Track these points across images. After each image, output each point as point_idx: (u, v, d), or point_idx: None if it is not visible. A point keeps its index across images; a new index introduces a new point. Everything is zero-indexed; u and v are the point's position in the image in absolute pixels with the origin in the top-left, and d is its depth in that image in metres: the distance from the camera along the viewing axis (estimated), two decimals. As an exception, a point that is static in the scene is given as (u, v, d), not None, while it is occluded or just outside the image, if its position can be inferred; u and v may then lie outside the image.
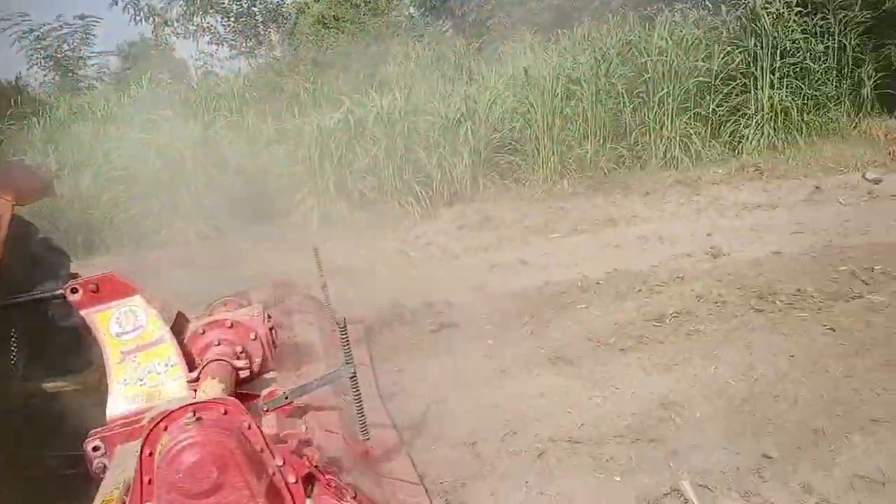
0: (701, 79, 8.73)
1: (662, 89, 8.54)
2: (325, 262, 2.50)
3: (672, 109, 8.65)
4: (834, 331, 3.84)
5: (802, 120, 9.03)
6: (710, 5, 10.38)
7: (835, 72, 9.31)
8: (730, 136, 8.93)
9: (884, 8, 9.35)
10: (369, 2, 14.57)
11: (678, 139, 8.76)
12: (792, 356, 3.61)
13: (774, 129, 8.83)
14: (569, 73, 8.76)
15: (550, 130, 8.48)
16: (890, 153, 8.41)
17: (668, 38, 8.70)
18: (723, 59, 8.83)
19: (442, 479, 2.84)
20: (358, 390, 2.06)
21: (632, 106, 8.71)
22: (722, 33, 9.26)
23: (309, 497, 1.74)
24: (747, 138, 8.78)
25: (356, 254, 6.01)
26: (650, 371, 3.67)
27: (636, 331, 4.18)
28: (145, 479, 1.65)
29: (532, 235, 6.65)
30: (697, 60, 8.75)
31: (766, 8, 8.83)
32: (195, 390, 2.00)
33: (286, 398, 1.96)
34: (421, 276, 5.44)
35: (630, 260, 5.61)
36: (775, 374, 3.45)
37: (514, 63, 9.70)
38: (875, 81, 9.42)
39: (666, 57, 8.56)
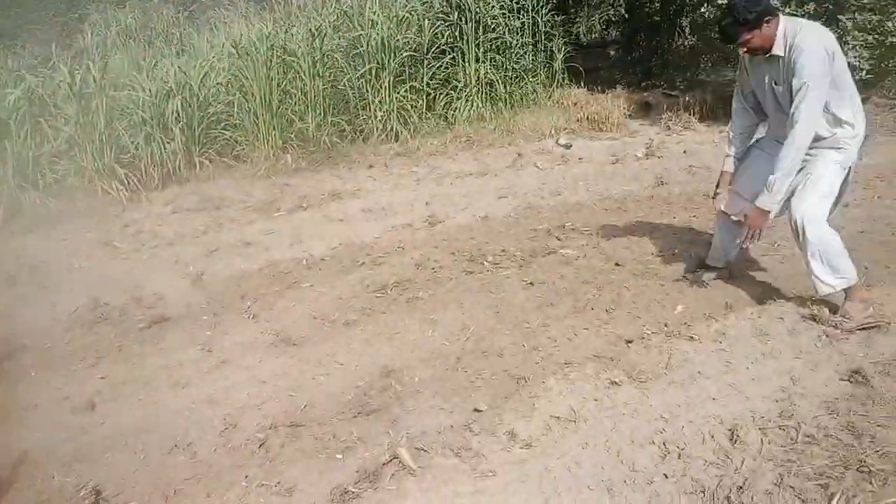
0: (414, 53, 9.04)
1: (377, 62, 8.68)
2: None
3: (389, 83, 8.84)
4: (533, 285, 4.22)
5: (506, 91, 9.78)
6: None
7: (530, 46, 10.19)
8: (443, 109, 9.38)
9: (567, -13, 10.45)
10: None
11: (396, 112, 9.01)
12: (498, 312, 3.90)
13: (482, 101, 9.46)
14: (283, 45, 8.53)
15: (269, 104, 8.21)
16: (578, 120, 9.45)
17: (380, 12, 8.82)
18: (432, 33, 9.20)
19: (151, 489, 2.63)
20: None
21: (349, 79, 8.74)
22: (432, 8, 9.62)
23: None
24: (459, 110, 9.30)
25: (49, 249, 5.31)
26: (373, 342, 3.73)
27: (360, 303, 4.22)
28: None
29: (255, 214, 6.41)
30: (409, 34, 9.04)
31: (467, -16, 9.32)
32: None
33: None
34: (128, 269, 4.96)
35: (355, 233, 5.67)
36: (484, 331, 3.70)
37: (228, 33, 9.24)
38: (565, 55, 10.50)
39: (378, 30, 8.69)
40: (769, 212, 3.33)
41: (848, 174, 3.39)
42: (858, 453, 2.37)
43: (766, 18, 3.12)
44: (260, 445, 2.88)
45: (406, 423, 2.90)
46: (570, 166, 7.57)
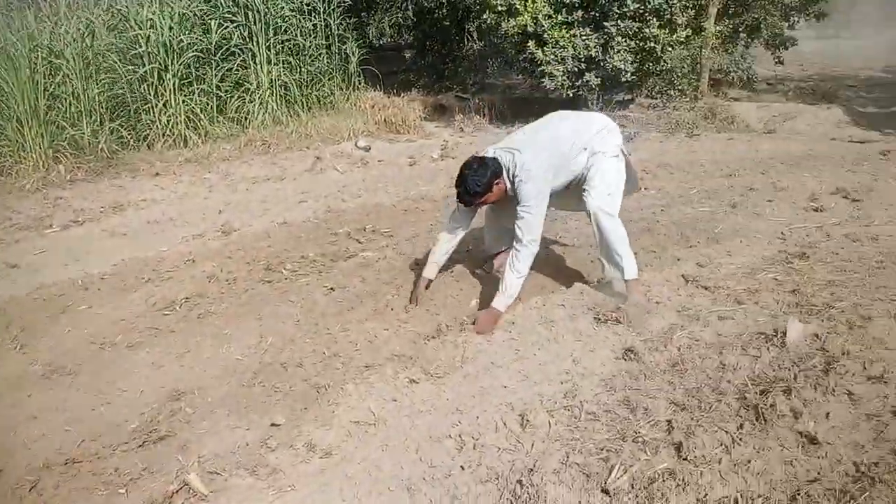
0: (200, 54, 8.59)
1: (159, 64, 8.15)
2: None
3: (174, 85, 8.34)
4: (333, 290, 4.15)
5: (302, 94, 9.61)
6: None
7: (325, 48, 10.09)
8: (236, 112, 9.02)
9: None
10: None
11: (184, 116, 8.52)
12: (297, 321, 3.79)
13: (277, 104, 9.21)
14: (49, 46, 7.73)
15: (35, 110, 7.40)
16: (376, 122, 9.51)
17: (159, 11, 8.27)
18: (220, 34, 8.80)
19: None
20: None
21: (128, 81, 8.12)
22: (217, 8, 9.19)
23: None
24: (252, 113, 8.99)
25: None
26: (161, 364, 3.47)
27: (145, 323, 3.92)
28: None
29: (22, 233, 5.75)
30: (195, 34, 8.57)
31: (251, -16, 9.04)
32: None
33: None
34: None
35: (139, 247, 5.26)
36: (283, 342, 3.57)
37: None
38: (359, 58, 10.52)
39: (158, 30, 8.15)
40: (501, 313, 3.48)
41: (627, 162, 3.72)
42: (634, 425, 2.57)
43: (496, 182, 3.45)
44: (31, 489, 2.56)
45: (198, 447, 2.72)
46: (370, 169, 7.60)
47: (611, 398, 2.79)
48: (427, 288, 3.94)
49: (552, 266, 4.31)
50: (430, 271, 3.92)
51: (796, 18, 11.16)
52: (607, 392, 2.84)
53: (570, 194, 3.92)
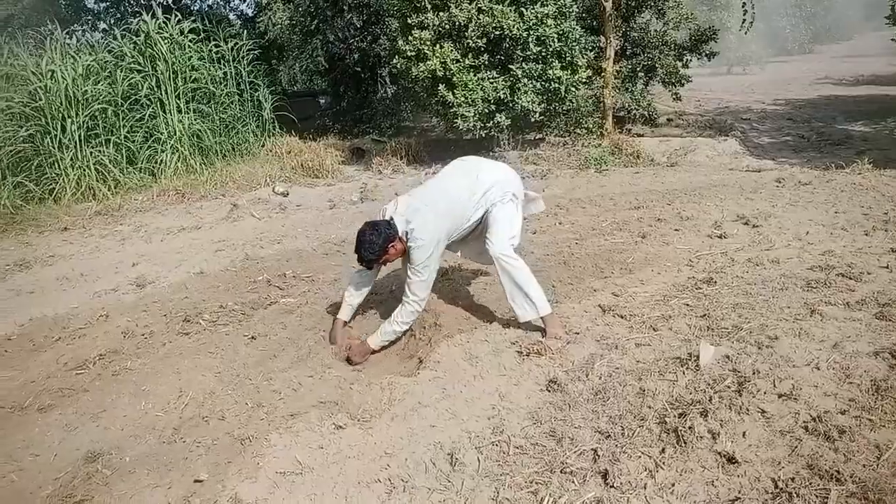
0: (107, 105, 8.41)
1: (64, 116, 7.93)
2: None
3: (80, 137, 8.12)
4: (255, 339, 4.10)
5: (216, 142, 9.51)
6: (106, 29, 10.12)
7: (236, 95, 10.05)
8: (148, 162, 8.85)
9: (267, 38, 10.49)
10: None
11: (93, 168, 8.30)
12: (218, 373, 3.71)
13: (190, 152, 9.09)
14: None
15: (-74, 167, 7.07)
16: (293, 168, 9.49)
17: (60, 63, 8.07)
18: (127, 84, 8.65)
19: None
20: None
21: (29, 133, 7.85)
22: (123, 58, 9.04)
23: None
24: (165, 162, 8.83)
25: None
26: (75, 425, 3.32)
27: (57, 384, 3.75)
28: None
29: (-82, 297, 5.43)
30: (99, 85, 8.40)
31: (160, 33, 8.96)
32: None
33: None
34: None
35: (48, 305, 5.05)
36: (203, 395, 3.49)
37: None
38: (273, 104, 10.52)
39: (59, 83, 7.95)
40: (371, 350, 3.89)
41: (518, 207, 3.88)
42: (561, 456, 2.64)
43: (390, 245, 3.65)
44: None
45: (115, 513, 2.62)
46: (289, 213, 7.55)
47: (537, 430, 2.86)
48: (344, 327, 4.05)
49: (474, 301, 4.40)
50: (344, 313, 4.06)
51: (689, 58, 11.87)
52: (534, 425, 2.90)
53: (471, 244, 4.11)
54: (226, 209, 7.66)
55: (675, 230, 5.60)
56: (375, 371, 3.73)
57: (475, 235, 4.01)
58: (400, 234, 3.66)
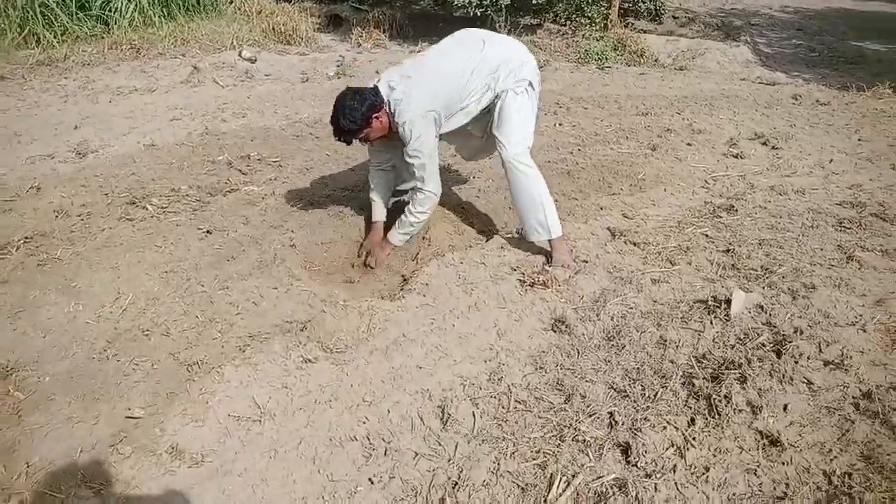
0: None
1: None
2: None
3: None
4: (210, 234, 3.53)
5: (178, -8, 8.47)
6: None
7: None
8: (101, 9, 7.82)
9: None
10: None
11: (38, 9, 7.29)
12: (165, 272, 3.16)
13: (149, 2, 8.07)
14: None
15: None
16: (263, 31, 8.55)
17: None
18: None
19: None
20: None
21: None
22: None
23: None
24: (120, 10, 7.83)
25: None
26: (-15, 326, 2.77)
27: (-31, 270, 3.16)
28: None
29: None
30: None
31: None
32: None
33: None
34: None
35: (-30, 169, 4.35)
36: (146, 300, 2.94)
37: None
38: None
39: None
40: (394, 247, 3.42)
41: (535, 100, 3.27)
42: (571, 418, 2.20)
43: (374, 116, 3.04)
44: None
45: (27, 451, 2.11)
46: (256, 83, 6.75)
47: (542, 380, 2.41)
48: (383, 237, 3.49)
49: (467, 212, 3.86)
50: (378, 212, 3.54)
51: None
52: (537, 372, 2.46)
53: (471, 140, 3.50)
54: (185, 71, 6.81)
55: (688, 144, 5.05)
56: (351, 289, 3.20)
57: (478, 128, 3.40)
58: (386, 105, 3.06)
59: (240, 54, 7.38)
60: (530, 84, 3.19)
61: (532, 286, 2.93)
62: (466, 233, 3.57)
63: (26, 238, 3.41)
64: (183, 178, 4.22)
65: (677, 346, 2.55)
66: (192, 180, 4.20)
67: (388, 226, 3.46)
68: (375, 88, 3.06)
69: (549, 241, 3.17)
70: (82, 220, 3.67)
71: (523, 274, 3.00)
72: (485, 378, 2.42)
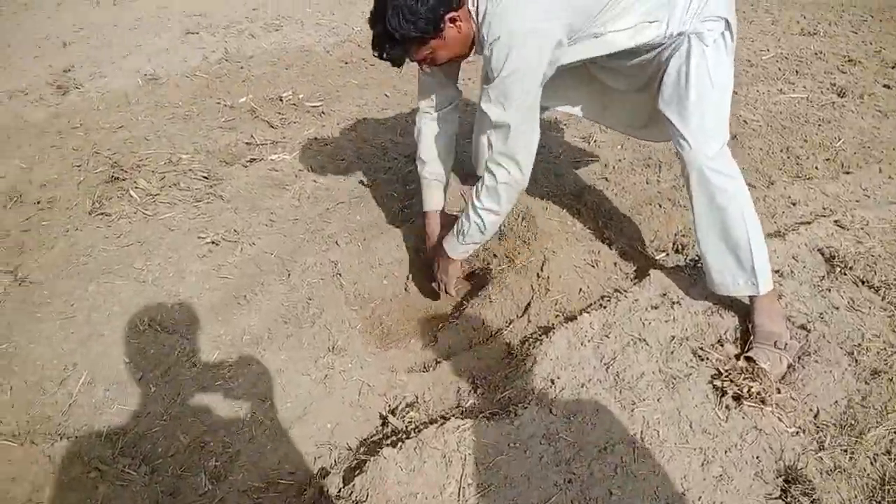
0: None
1: None
2: None
3: None
4: (217, 244, 2.39)
5: None
6: None
7: None
8: None
9: None
10: None
11: None
12: (141, 328, 2.05)
13: None
14: None
15: None
16: None
17: None
18: None
19: None
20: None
21: None
22: None
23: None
24: None
25: None
26: None
27: None
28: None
29: None
30: None
31: None
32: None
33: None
34: None
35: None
36: (105, 387, 1.87)
37: None
38: None
39: None
40: (451, 260, 2.16)
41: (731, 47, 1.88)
42: None
43: (447, 17, 1.73)
44: None
45: None
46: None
47: None
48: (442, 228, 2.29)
49: (591, 209, 2.61)
50: (432, 198, 2.29)
51: None
52: None
53: (612, 95, 2.22)
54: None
55: (885, 86, 3.61)
56: (421, 380, 2.02)
57: (620, 80, 2.11)
58: (470, 8, 1.77)
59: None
60: (727, 26, 1.86)
61: (737, 399, 1.73)
62: (599, 261, 2.32)
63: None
64: (188, 135, 3.04)
65: None
66: (199, 138, 3.03)
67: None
68: None
69: (752, 297, 1.93)
70: (41, 210, 2.56)
71: (717, 370, 1.80)
72: None
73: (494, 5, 1.68)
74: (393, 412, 1.81)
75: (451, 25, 1.75)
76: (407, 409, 1.81)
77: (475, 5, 1.74)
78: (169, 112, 3.27)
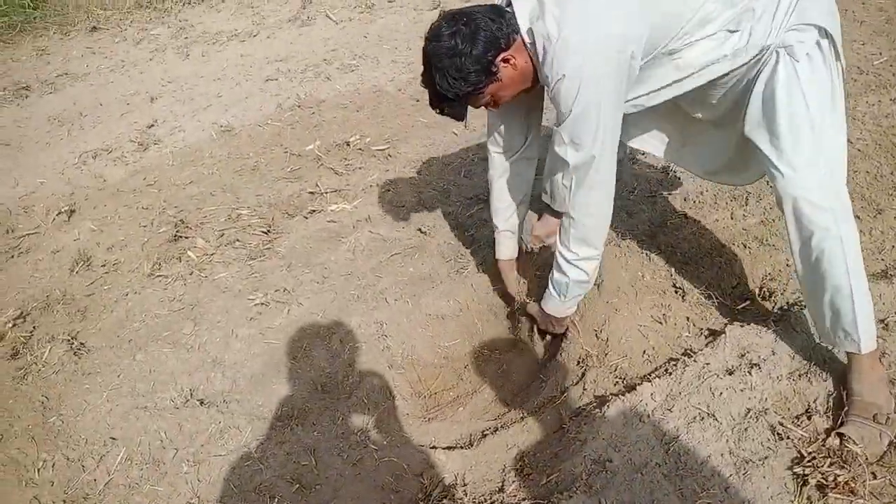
0: None
1: None
2: None
3: None
4: (266, 306, 2.32)
5: None
6: None
7: None
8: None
9: None
10: None
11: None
12: (178, 404, 2.00)
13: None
14: None
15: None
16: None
17: None
18: None
19: None
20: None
21: None
22: None
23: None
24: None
25: None
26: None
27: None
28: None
29: None
30: None
31: None
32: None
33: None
34: None
35: (12, 172, 3.45)
36: (141, 463, 1.82)
37: None
38: None
39: None
40: (554, 318, 2.02)
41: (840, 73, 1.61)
42: None
43: (497, 58, 1.60)
44: None
45: None
46: (376, 15, 5.35)
47: None
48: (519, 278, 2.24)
49: (671, 257, 2.34)
50: (504, 247, 2.20)
51: None
52: None
53: (693, 128, 1.99)
54: (296, 4, 5.57)
55: None
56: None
57: (701, 107, 1.85)
58: (524, 36, 1.59)
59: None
60: (825, 34, 1.57)
61: (821, 489, 1.45)
62: (669, 316, 2.06)
63: (21, 314, 2.39)
64: (253, 188, 3.03)
65: None
66: (264, 189, 3.00)
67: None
68: (497, 8, 1.62)
69: (852, 356, 1.63)
70: (106, 274, 2.60)
71: (799, 453, 1.51)
72: None
73: (550, 39, 1.51)
74: (428, 497, 1.65)
75: (506, 65, 1.63)
76: (443, 494, 1.64)
77: (530, 36, 1.58)
78: (238, 164, 3.28)
